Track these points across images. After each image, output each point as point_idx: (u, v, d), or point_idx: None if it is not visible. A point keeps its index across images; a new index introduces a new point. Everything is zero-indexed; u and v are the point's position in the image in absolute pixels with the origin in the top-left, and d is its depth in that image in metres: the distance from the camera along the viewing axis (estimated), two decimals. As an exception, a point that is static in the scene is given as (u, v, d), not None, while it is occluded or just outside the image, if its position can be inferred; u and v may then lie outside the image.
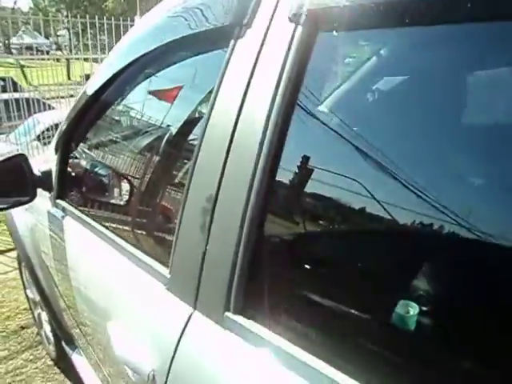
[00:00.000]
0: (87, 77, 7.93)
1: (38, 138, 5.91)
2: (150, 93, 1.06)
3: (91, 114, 1.23)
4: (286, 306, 0.58)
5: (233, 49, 0.61)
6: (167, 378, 0.69)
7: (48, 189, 1.31)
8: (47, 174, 1.30)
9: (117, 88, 1.11)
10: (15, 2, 25.59)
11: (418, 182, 0.43)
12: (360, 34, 0.50)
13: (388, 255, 0.48)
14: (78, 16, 6.21)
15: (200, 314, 0.65)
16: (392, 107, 0.53)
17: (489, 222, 0.39)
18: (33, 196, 1.29)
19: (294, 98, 0.53)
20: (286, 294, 0.58)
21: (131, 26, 5.86)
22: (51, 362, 2.11)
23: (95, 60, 6.37)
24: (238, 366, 0.58)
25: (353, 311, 0.51)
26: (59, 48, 19.98)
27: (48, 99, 6.62)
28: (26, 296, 2.29)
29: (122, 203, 1.08)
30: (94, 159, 1.27)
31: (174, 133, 0.92)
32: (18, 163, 1.25)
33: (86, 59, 6.97)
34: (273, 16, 0.56)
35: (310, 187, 0.54)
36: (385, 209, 0.45)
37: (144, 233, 0.97)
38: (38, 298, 1.96)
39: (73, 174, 1.29)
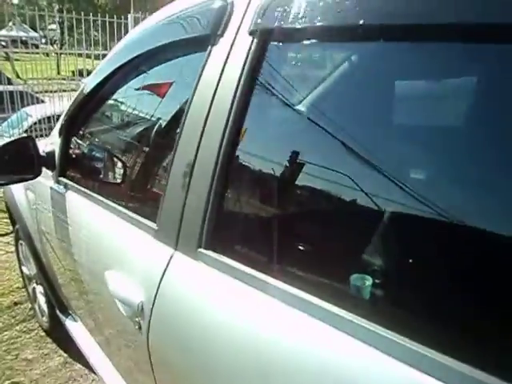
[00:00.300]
0: (80, 72, 7.99)
1: (26, 131, 6.00)
2: (141, 88, 1.26)
3: (91, 103, 1.42)
4: (243, 241, 0.79)
5: (209, 53, 0.82)
6: (153, 305, 0.89)
7: (51, 167, 1.50)
8: (51, 155, 1.49)
9: (113, 83, 1.31)
10: (6, -6, 25.35)
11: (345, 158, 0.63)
12: (296, 45, 0.72)
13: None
14: (73, 12, 6.31)
15: (179, 253, 0.85)
16: (322, 99, 0.74)
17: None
18: (38, 173, 1.47)
19: (250, 93, 0.74)
20: (242, 233, 0.79)
21: (123, 23, 5.98)
22: (43, 334, 2.28)
23: (88, 56, 6.42)
24: (209, 289, 0.79)
25: (293, 240, 0.72)
26: (50, 42, 19.87)
27: (37, 93, 6.69)
28: (21, 273, 2.46)
29: (116, 176, 1.28)
30: (91, 141, 1.47)
31: (160, 119, 1.12)
32: (26, 144, 1.44)
33: (79, 54, 7.02)
34: (238, 30, 0.77)
35: (255, 157, 0.76)
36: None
37: (136, 198, 1.17)
38: (33, 272, 2.13)
39: (73, 154, 1.48)
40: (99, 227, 1.18)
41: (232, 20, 0.79)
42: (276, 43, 0.72)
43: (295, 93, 0.72)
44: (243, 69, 0.73)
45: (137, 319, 0.95)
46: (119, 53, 1.24)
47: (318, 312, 0.58)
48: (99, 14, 6.02)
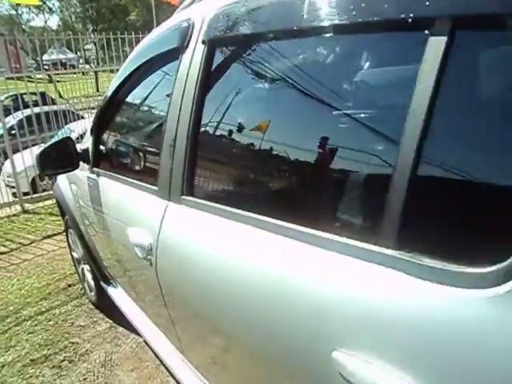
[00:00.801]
0: None
1: None
2: (142, 93, 1.63)
3: (109, 106, 1.81)
4: (211, 186, 1.12)
5: (180, 60, 1.16)
6: (157, 243, 1.24)
7: (87, 161, 1.90)
8: (86, 151, 1.89)
9: (125, 89, 1.69)
10: (45, 22, 27.21)
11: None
12: (231, 48, 1.05)
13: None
14: (103, 32, 6.88)
15: (171, 203, 1.20)
16: (251, 87, 1.07)
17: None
18: (77, 166, 1.88)
19: (206, 85, 1.07)
20: (210, 181, 1.13)
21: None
22: (92, 307, 2.71)
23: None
24: (190, 224, 1.13)
25: (246, 180, 1.05)
26: (87, 61, 21.08)
27: (79, 110, 7.33)
28: (72, 258, 2.91)
29: (132, 161, 1.65)
30: (113, 137, 1.86)
31: (154, 113, 1.49)
32: (67, 143, 1.84)
33: (112, 70, 7.55)
34: (196, 41, 1.10)
35: (214, 129, 1.10)
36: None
37: (144, 173, 1.53)
38: (80, 254, 2.57)
39: (102, 149, 1.87)
40: (122, 199, 1.56)
41: (193, 34, 1.13)
42: (219, 48, 1.06)
43: (233, 82, 1.05)
44: (199, 68, 1.07)
45: (148, 257, 1.31)
46: (125, 66, 1.62)
47: (277, 229, 0.83)
48: (130, 31, 6.51)
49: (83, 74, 10.22)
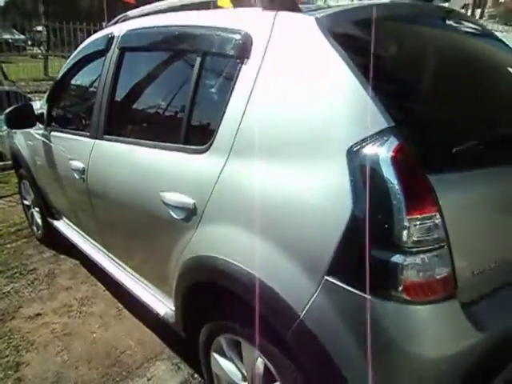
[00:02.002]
0: None
1: None
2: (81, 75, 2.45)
3: (61, 84, 2.59)
4: (119, 130, 1.96)
5: (105, 56, 2.00)
6: (88, 168, 2.06)
7: (41, 122, 2.65)
8: (41, 114, 2.65)
9: (70, 73, 2.49)
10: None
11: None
12: (133, 54, 1.90)
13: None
14: (55, 16, 7.22)
15: (97, 140, 2.03)
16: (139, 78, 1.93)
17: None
18: (34, 125, 2.64)
19: (118, 72, 1.92)
20: (118, 127, 1.97)
21: (100, 29, 6.97)
22: (39, 243, 3.42)
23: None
24: (107, 151, 1.96)
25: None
26: (35, 44, 20.64)
27: (28, 93, 7.59)
28: (23, 205, 3.60)
29: (75, 120, 2.45)
30: (63, 105, 2.63)
31: (89, 88, 2.33)
32: (29, 107, 2.60)
33: (63, 56, 7.84)
34: (115, 46, 1.94)
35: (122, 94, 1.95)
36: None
37: (82, 126, 2.34)
38: (31, 200, 3.28)
39: (53, 113, 2.64)
40: (67, 143, 2.35)
41: (113, 43, 1.96)
42: (126, 52, 1.90)
43: (131, 70, 1.91)
44: (115, 62, 1.92)
45: (82, 176, 2.11)
46: (72, 56, 2.43)
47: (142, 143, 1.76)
48: (82, 16, 6.90)
49: (33, 57, 10.27)
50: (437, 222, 0.98)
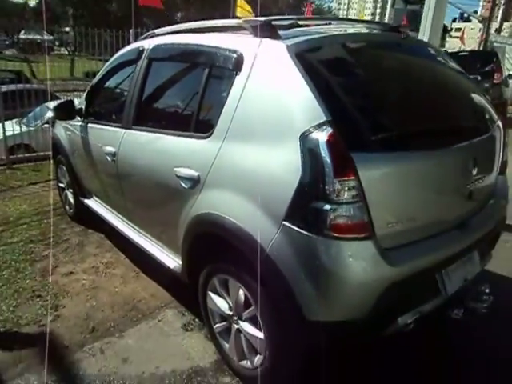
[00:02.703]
0: (87, 74, 9.08)
1: (47, 122, 7.23)
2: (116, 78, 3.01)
3: (98, 84, 3.16)
4: (144, 121, 2.49)
5: (137, 64, 2.54)
6: (118, 151, 2.61)
7: (80, 115, 3.22)
8: (80, 109, 3.22)
9: (106, 76, 3.05)
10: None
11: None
12: (159, 64, 2.45)
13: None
14: (83, 18, 7.55)
15: (127, 130, 2.57)
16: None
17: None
18: (74, 117, 3.21)
19: (146, 77, 2.46)
20: (143, 119, 2.51)
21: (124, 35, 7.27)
22: (70, 220, 3.99)
23: (99, 59, 7.76)
24: (134, 139, 2.50)
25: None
26: (62, 44, 21.50)
27: (56, 92, 8.07)
28: (58, 187, 4.18)
29: (110, 113, 3.00)
30: (99, 102, 3.20)
31: (123, 89, 2.85)
32: (70, 103, 3.18)
33: (89, 58, 8.09)
34: (144, 57, 2.48)
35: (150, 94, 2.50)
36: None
37: (116, 118, 2.87)
38: (66, 183, 3.85)
39: (90, 109, 3.20)
40: (102, 133, 2.90)
41: (143, 54, 2.51)
42: (153, 62, 2.44)
43: (157, 76, 2.45)
44: (145, 69, 2.46)
45: (114, 158, 2.66)
46: (108, 63, 2.99)
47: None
48: (110, 20, 7.24)
49: (60, 57, 10.75)
50: (355, 184, 1.47)
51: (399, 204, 1.64)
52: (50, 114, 7.48)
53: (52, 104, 7.48)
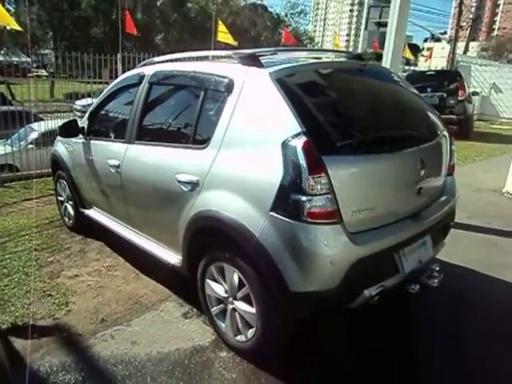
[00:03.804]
0: (69, 95, 9.08)
1: (32, 142, 7.50)
2: (117, 101, 3.39)
3: (99, 106, 3.53)
4: (146, 137, 2.87)
5: (138, 88, 2.93)
6: (122, 164, 2.98)
7: (83, 133, 3.58)
8: (83, 127, 3.58)
9: (107, 99, 3.43)
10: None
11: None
12: (158, 88, 2.84)
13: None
14: (63, 41, 7.54)
15: (130, 144, 2.95)
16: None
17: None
18: (77, 135, 3.57)
19: (147, 100, 2.86)
20: (145, 135, 2.89)
21: (110, 60, 7.30)
22: (69, 231, 4.28)
23: (81, 82, 7.81)
24: (137, 152, 2.87)
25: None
26: (40, 66, 21.63)
27: (39, 113, 8.12)
28: (57, 201, 4.48)
29: (112, 131, 3.37)
30: (101, 120, 3.56)
31: (123, 110, 3.23)
32: (74, 122, 3.54)
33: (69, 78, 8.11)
34: (145, 81, 2.88)
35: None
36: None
37: (119, 134, 3.23)
38: (65, 196, 4.16)
39: (92, 127, 3.56)
40: (105, 148, 3.26)
41: (144, 79, 2.91)
42: (153, 86, 2.84)
43: (157, 98, 2.84)
44: (145, 93, 2.85)
45: (118, 170, 3.01)
46: (109, 87, 3.38)
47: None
48: (92, 43, 7.36)
49: (38, 77, 10.73)
50: (325, 180, 1.88)
51: (361, 196, 2.06)
52: (34, 135, 7.82)
53: (36, 125, 7.84)
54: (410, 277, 2.30)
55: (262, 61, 2.25)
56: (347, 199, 1.98)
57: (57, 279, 3.30)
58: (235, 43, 12.40)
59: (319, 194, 1.89)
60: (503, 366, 2.38)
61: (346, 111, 2.22)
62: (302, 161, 1.88)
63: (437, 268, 2.44)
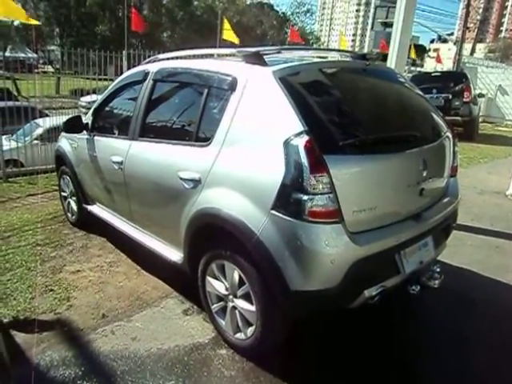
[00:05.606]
0: (75, 92, 9.11)
1: (37, 138, 7.55)
2: (121, 97, 3.40)
3: (103, 102, 3.54)
4: (149, 134, 2.88)
5: (142, 85, 2.93)
6: (126, 160, 2.99)
7: (87, 129, 3.59)
8: (87, 124, 3.59)
9: (111, 95, 3.44)
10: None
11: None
12: (161, 85, 2.85)
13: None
14: (70, 38, 7.57)
15: (134, 141, 2.95)
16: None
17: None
18: (81, 131, 3.58)
19: (151, 97, 2.86)
20: (149, 132, 2.89)
21: (115, 57, 7.31)
22: (72, 226, 4.30)
23: (87, 78, 7.75)
24: (140, 148, 2.88)
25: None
26: (46, 62, 21.71)
27: (44, 109, 8.13)
28: (60, 197, 4.50)
29: (116, 127, 3.38)
30: (105, 117, 3.58)
31: (128, 106, 3.23)
32: (77, 118, 3.55)
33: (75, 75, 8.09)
34: (150, 78, 2.88)
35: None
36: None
37: (123, 131, 3.24)
38: (69, 192, 4.18)
39: (96, 123, 3.58)
40: (109, 144, 3.27)
41: (148, 76, 2.91)
42: (157, 83, 2.85)
43: (161, 95, 2.85)
44: (149, 90, 2.86)
45: (121, 166, 3.02)
46: (114, 83, 3.38)
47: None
48: (98, 40, 7.39)
49: (44, 73, 10.78)
50: (327, 179, 1.88)
51: (363, 196, 2.05)
52: (39, 131, 7.85)
53: (41, 121, 7.87)
54: (411, 278, 2.30)
55: (266, 59, 2.25)
56: (348, 199, 1.98)
57: (59, 274, 3.31)
58: (237, 41, 12.40)
59: (320, 193, 1.88)
60: (504, 369, 2.38)
61: (349, 111, 2.22)
62: (304, 160, 1.88)
63: (438, 269, 2.43)
